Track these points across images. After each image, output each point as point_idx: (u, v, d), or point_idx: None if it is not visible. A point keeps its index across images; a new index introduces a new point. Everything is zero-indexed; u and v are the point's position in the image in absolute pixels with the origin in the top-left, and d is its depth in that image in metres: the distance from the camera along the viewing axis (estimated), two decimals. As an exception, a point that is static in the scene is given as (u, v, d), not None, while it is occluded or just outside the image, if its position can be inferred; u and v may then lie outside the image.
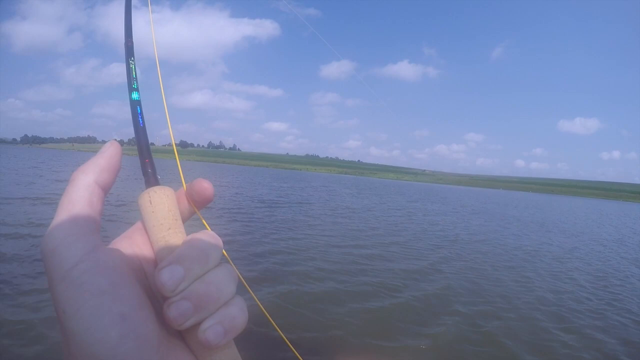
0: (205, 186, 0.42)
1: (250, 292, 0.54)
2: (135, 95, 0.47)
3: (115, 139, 0.43)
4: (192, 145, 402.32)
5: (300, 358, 0.57)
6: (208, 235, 0.41)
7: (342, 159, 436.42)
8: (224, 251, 0.42)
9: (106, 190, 0.39)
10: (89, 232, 0.35)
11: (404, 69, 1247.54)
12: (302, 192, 25.41)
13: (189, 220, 0.45)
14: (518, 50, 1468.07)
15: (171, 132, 0.56)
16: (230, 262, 0.44)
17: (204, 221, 0.47)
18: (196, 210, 0.45)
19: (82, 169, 0.39)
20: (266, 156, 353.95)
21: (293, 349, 0.58)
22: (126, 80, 0.48)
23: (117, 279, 0.34)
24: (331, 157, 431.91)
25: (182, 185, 0.45)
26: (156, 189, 0.42)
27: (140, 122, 0.45)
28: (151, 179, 0.43)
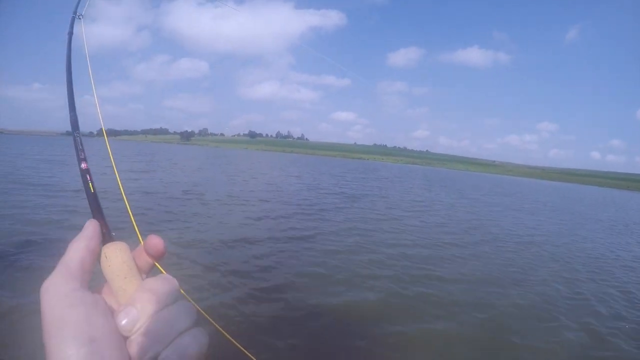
0: (155, 242, 0.51)
1: (214, 323, 0.60)
2: (83, 165, 0.56)
3: (93, 219, 0.52)
4: (260, 135, 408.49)
5: None
6: (160, 278, 0.49)
7: (410, 148, 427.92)
8: (181, 290, 0.51)
9: (94, 254, 0.49)
10: (77, 279, 0.45)
11: (474, 55, 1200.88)
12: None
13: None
14: (593, 32, 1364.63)
15: (105, 137, 0.72)
16: (188, 297, 0.52)
17: (159, 267, 0.53)
18: (153, 260, 0.52)
19: (75, 239, 0.49)
20: (334, 145, 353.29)
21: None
22: (74, 150, 0.57)
23: (92, 311, 0.43)
24: (399, 147, 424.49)
25: (140, 241, 0.53)
26: (110, 245, 0.50)
27: (92, 188, 0.55)
28: (106, 238, 0.51)
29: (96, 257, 0.49)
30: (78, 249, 0.48)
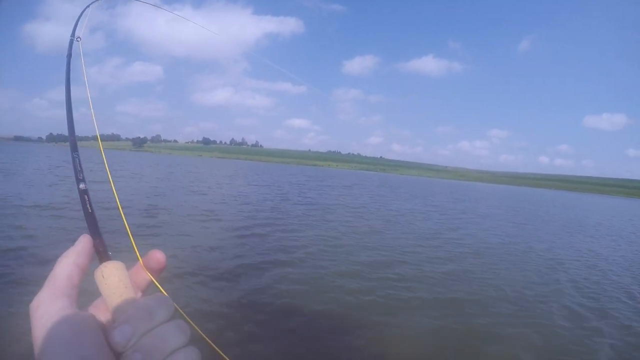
0: (158, 256, 0.55)
1: (210, 342, 0.60)
2: (82, 185, 0.59)
3: (87, 235, 0.54)
4: (214, 142, 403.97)
5: None
6: (155, 297, 0.50)
7: (364, 155, 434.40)
8: (177, 307, 0.52)
9: (83, 270, 0.50)
10: (65, 296, 0.46)
11: (429, 64, 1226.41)
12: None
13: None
14: (545, 44, 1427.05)
15: (102, 153, 0.74)
16: (183, 314, 0.54)
17: (158, 285, 0.56)
18: (151, 277, 0.55)
19: (65, 254, 0.51)
20: (289, 152, 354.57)
21: None
22: (73, 172, 0.60)
23: (82, 330, 0.44)
24: (353, 154, 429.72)
25: (138, 258, 0.56)
26: (107, 264, 0.51)
27: (89, 208, 0.57)
28: (103, 256, 0.53)
29: (84, 273, 0.51)
30: (66, 265, 0.49)
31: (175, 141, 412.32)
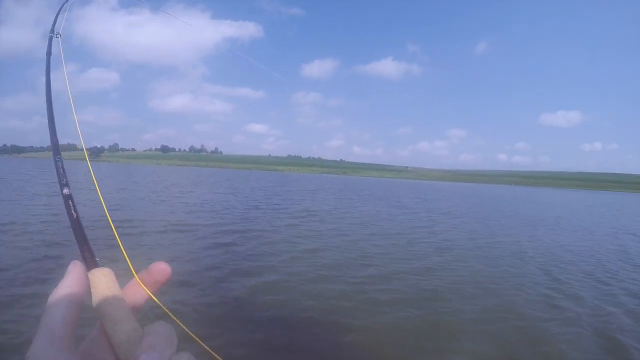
0: (162, 267, 0.51)
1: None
2: (66, 190, 0.56)
3: (76, 261, 0.50)
4: (173, 149, 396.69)
5: None
6: (164, 324, 0.49)
7: (324, 158, 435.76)
8: (186, 329, 0.53)
9: (80, 307, 0.46)
10: (64, 349, 0.42)
11: (388, 66, 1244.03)
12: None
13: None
14: (501, 46, 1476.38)
15: (87, 158, 0.72)
16: (184, 327, 0.54)
17: (164, 308, 0.52)
18: (152, 296, 0.51)
19: (57, 292, 0.46)
20: (248, 158, 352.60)
21: None
22: (56, 177, 0.58)
23: None
24: (314, 157, 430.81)
25: (134, 275, 0.52)
26: (95, 271, 0.49)
27: (74, 214, 0.54)
28: (90, 263, 0.50)
29: (81, 308, 0.47)
30: (60, 307, 0.45)
31: (134, 149, 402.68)
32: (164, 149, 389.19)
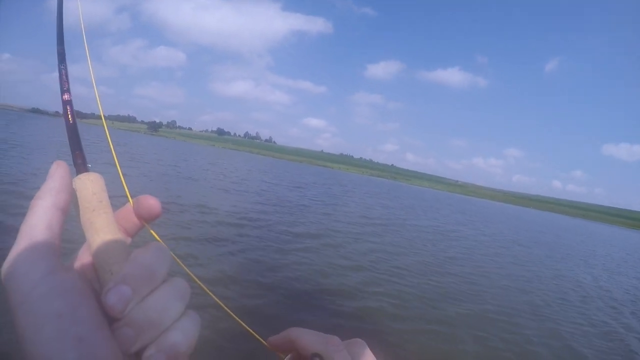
0: (151, 203, 0.44)
1: (217, 300, 0.54)
2: (66, 96, 0.53)
3: (60, 161, 0.43)
4: (228, 133, 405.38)
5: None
6: (154, 249, 0.40)
7: (376, 161, 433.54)
8: (175, 257, 0.43)
9: (65, 211, 0.39)
10: (47, 255, 0.35)
11: (454, 76, 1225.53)
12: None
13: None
14: (572, 67, 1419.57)
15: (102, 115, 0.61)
16: (182, 264, 0.48)
17: (153, 233, 0.47)
18: (145, 223, 0.45)
19: (38, 195, 0.39)
20: (301, 151, 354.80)
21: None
22: (58, 83, 0.54)
23: (74, 300, 0.34)
24: (365, 159, 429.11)
25: (129, 201, 0.46)
26: (81, 176, 0.43)
27: (71, 119, 0.50)
28: (80, 168, 0.45)
29: (67, 215, 0.39)
30: (43, 211, 0.37)
31: (190, 129, 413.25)
32: (220, 132, 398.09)
